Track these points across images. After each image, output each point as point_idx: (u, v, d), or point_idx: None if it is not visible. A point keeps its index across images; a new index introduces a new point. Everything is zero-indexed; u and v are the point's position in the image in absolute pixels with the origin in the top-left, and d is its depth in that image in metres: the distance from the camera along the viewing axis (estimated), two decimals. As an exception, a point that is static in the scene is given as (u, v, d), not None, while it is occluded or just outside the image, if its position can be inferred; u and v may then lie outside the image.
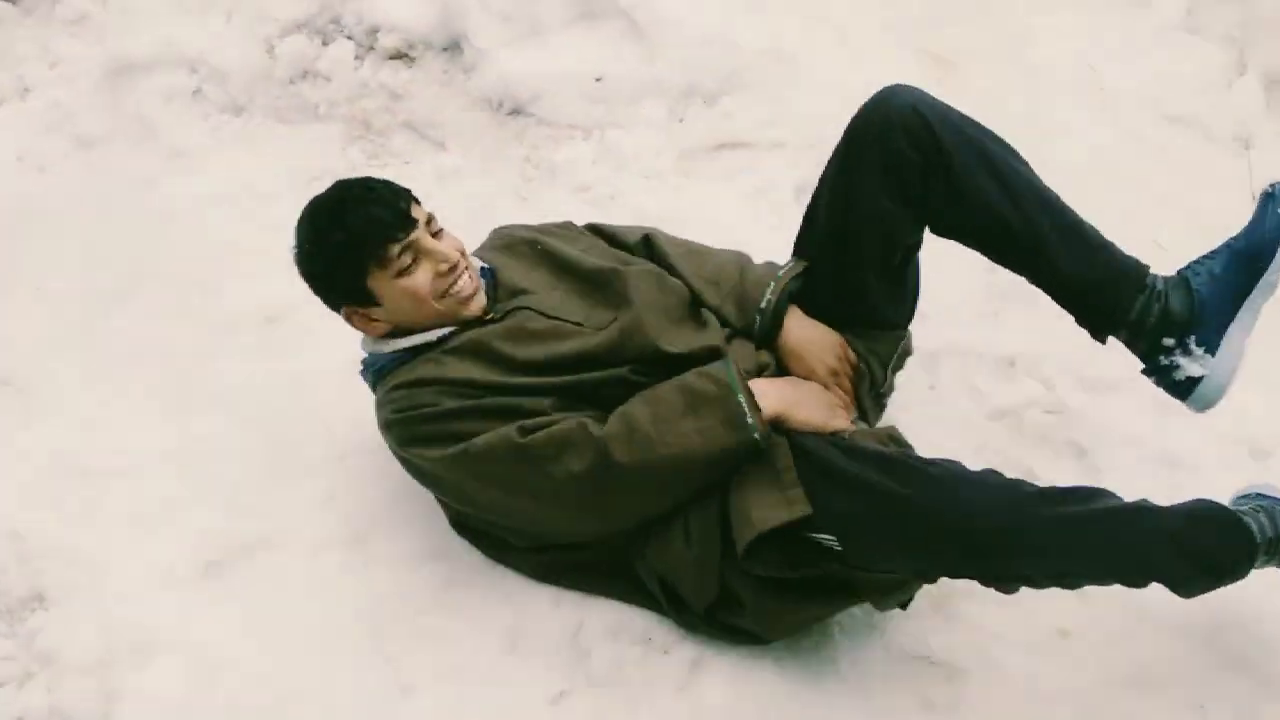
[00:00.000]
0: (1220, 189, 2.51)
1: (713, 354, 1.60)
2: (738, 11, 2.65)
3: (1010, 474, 1.51)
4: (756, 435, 1.50)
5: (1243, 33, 2.79)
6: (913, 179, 1.57)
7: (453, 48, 2.83)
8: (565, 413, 1.56)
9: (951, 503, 1.40)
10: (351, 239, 1.59)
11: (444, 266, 1.62)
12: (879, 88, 1.62)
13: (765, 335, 1.69)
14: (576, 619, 1.66)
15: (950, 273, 1.93)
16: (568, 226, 1.89)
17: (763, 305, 1.68)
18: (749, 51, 2.58)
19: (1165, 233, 2.39)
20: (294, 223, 1.67)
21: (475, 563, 1.74)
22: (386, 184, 1.63)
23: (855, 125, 1.63)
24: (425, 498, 1.77)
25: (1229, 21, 2.82)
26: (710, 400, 1.52)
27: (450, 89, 2.79)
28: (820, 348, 1.68)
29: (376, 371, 1.71)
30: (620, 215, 2.16)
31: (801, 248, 1.75)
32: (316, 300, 1.70)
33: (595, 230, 1.89)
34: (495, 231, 1.89)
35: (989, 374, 2.05)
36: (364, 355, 1.75)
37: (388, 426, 1.65)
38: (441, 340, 1.66)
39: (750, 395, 1.52)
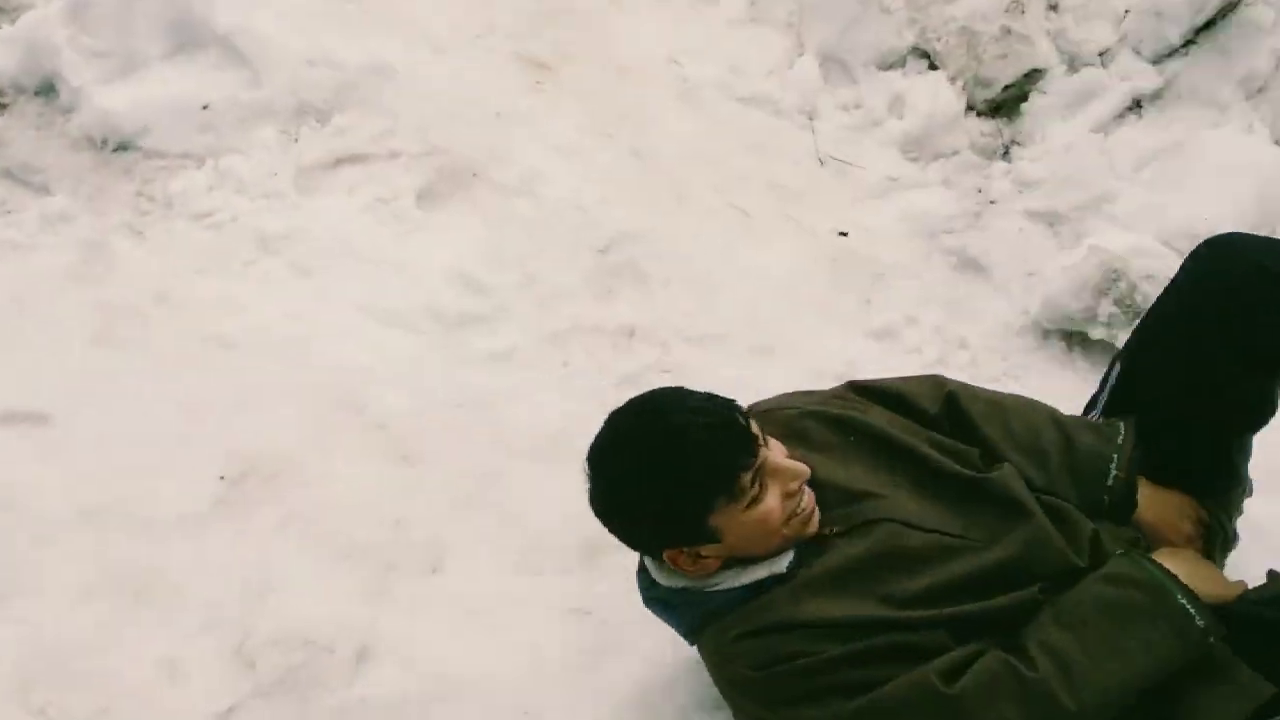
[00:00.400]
0: (792, 158, 2.95)
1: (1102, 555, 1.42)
2: (336, 32, 2.79)
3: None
4: (1212, 637, 1.31)
5: (799, 18, 3.26)
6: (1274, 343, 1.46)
7: (46, 89, 2.80)
8: (965, 646, 1.33)
9: None
10: (695, 474, 1.32)
11: (794, 485, 1.37)
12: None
13: (1117, 513, 1.51)
14: None
15: (556, 256, 2.18)
16: (843, 396, 1.61)
17: (1110, 483, 1.50)
18: (353, 69, 2.73)
19: (749, 201, 2.79)
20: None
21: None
22: (710, 396, 1.37)
23: (1190, 286, 1.54)
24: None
25: (787, 9, 3.28)
26: (1145, 611, 1.32)
27: (49, 131, 2.76)
28: (1177, 515, 1.55)
29: (706, 614, 1.42)
30: (242, 236, 2.24)
31: (1121, 406, 1.61)
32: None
33: (873, 394, 1.60)
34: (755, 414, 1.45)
35: (610, 346, 2.33)
36: (665, 587, 1.46)
37: (745, 685, 1.38)
38: (791, 571, 1.39)
39: (1190, 591, 1.33)
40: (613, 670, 1.71)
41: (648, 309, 2.40)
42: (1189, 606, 1.32)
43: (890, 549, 1.38)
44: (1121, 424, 1.56)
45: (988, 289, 2.64)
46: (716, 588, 1.41)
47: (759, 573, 1.39)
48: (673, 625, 1.50)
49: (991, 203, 2.84)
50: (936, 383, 1.62)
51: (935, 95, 3.03)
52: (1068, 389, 2.36)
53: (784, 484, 1.36)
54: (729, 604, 1.40)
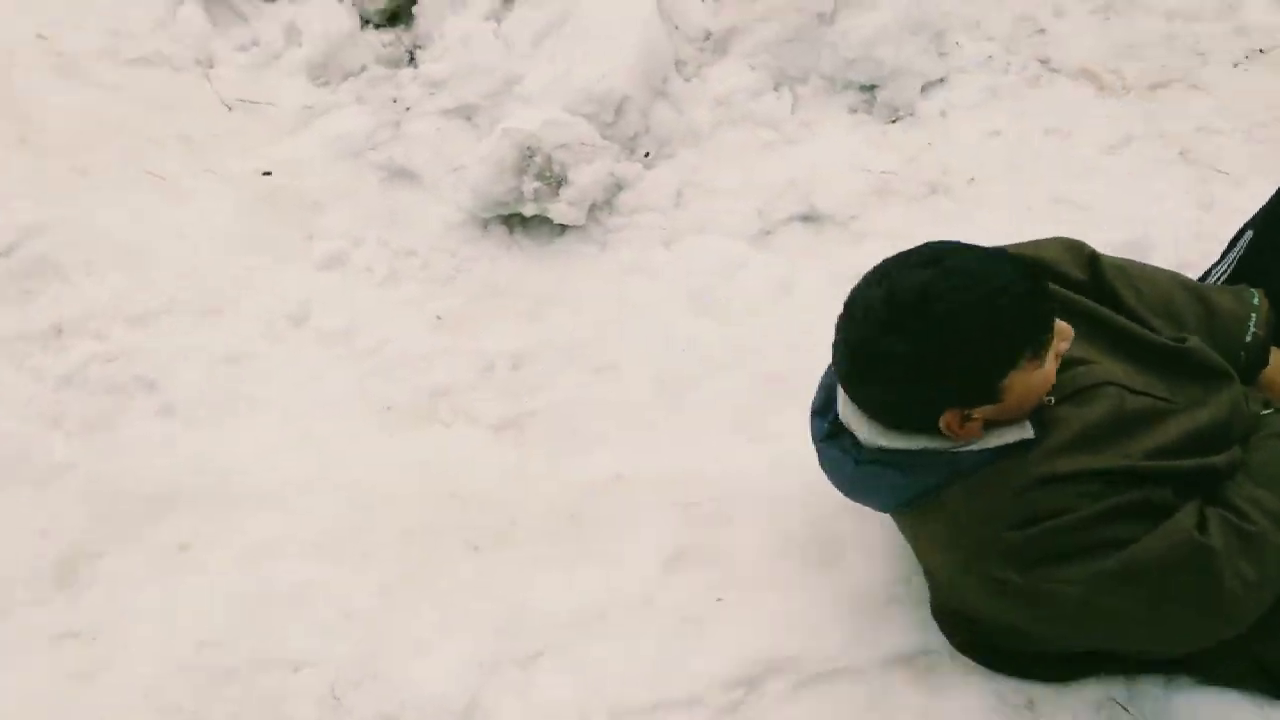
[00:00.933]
0: (199, 110, 2.94)
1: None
2: None
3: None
4: None
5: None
6: None
7: None
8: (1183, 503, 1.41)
9: None
10: (1013, 330, 1.33)
11: (1064, 346, 1.39)
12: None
13: (1248, 373, 1.63)
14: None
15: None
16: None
17: (1248, 340, 1.63)
18: None
19: (163, 163, 2.76)
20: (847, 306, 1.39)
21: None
22: (994, 250, 1.37)
23: None
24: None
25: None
26: None
27: None
28: None
29: (953, 474, 1.41)
30: None
31: (1249, 273, 1.77)
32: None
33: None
34: None
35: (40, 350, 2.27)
36: (898, 449, 1.44)
37: (999, 545, 1.38)
38: (1038, 436, 1.41)
39: None
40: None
41: (74, 301, 2.35)
42: None
43: (1121, 411, 1.43)
44: (1254, 290, 1.70)
45: (422, 194, 2.82)
46: (967, 449, 1.41)
47: (1009, 436, 1.41)
48: (892, 487, 1.48)
49: (407, 110, 3.01)
50: (1074, 246, 1.67)
51: (327, 17, 3.13)
52: (516, 268, 2.62)
53: (1058, 345, 1.38)
54: (977, 465, 1.40)
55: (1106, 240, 1.97)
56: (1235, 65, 2.96)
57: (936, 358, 1.33)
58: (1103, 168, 2.69)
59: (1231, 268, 1.85)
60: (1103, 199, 2.59)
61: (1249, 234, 1.86)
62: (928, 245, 1.39)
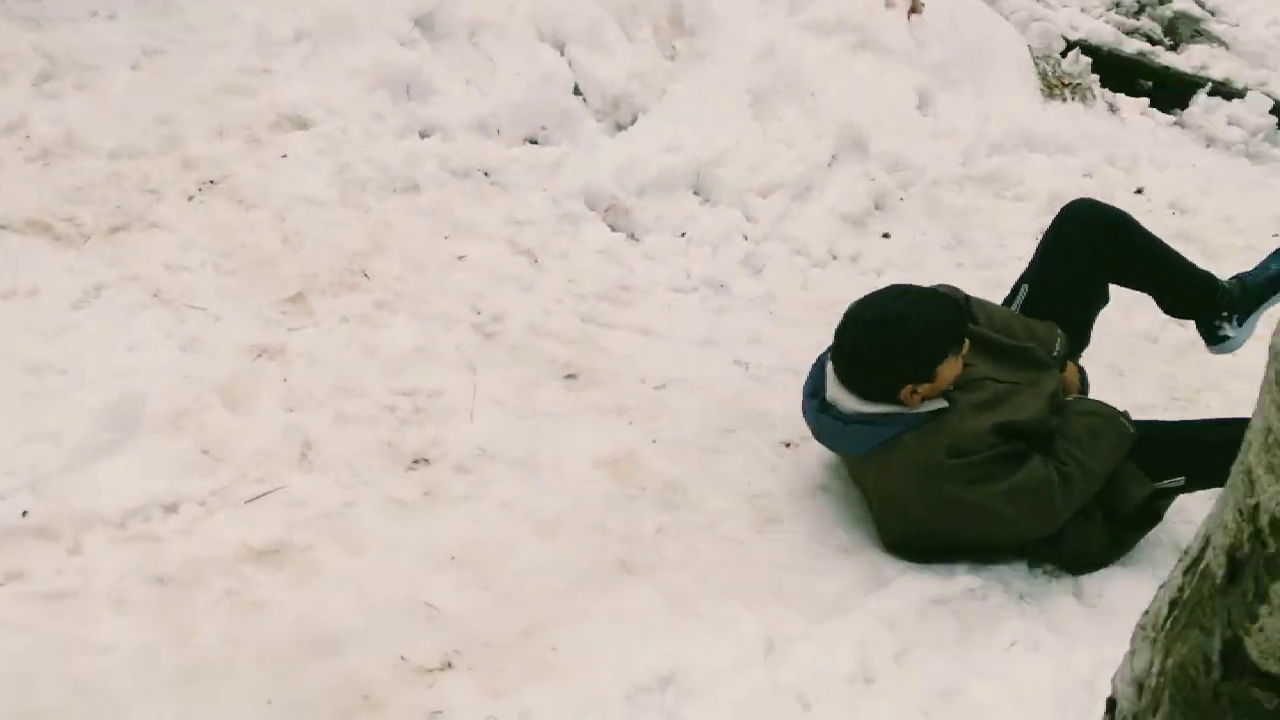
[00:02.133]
0: None
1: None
2: None
3: None
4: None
5: None
6: (1110, 255, 2.88)
7: None
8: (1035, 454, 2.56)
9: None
10: (947, 333, 2.53)
11: (964, 350, 2.55)
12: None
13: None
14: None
15: None
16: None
17: (1055, 354, 2.76)
18: None
19: None
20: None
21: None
22: (932, 287, 2.73)
23: (1060, 234, 2.93)
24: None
25: None
26: (1110, 429, 2.65)
27: None
28: (1074, 373, 2.89)
29: (906, 426, 2.53)
30: None
31: (1035, 309, 2.90)
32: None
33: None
34: None
35: None
36: (871, 411, 2.55)
37: (940, 468, 2.51)
38: (949, 405, 2.55)
39: (1126, 414, 2.72)
40: None
41: None
42: (1127, 423, 2.66)
43: (995, 392, 2.59)
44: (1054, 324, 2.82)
45: None
46: (915, 411, 2.53)
47: (936, 405, 2.54)
48: (864, 438, 2.58)
49: None
50: (954, 289, 2.79)
51: None
52: None
53: (963, 350, 2.53)
54: (920, 421, 2.52)
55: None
56: (190, 199, 3.19)
57: (904, 354, 2.49)
58: (75, 323, 2.69)
59: (1019, 309, 2.95)
60: (82, 357, 2.60)
61: (1025, 287, 2.96)
62: (894, 286, 2.70)
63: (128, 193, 3.11)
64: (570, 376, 3.02)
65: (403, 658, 2.14)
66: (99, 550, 2.20)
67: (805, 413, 2.71)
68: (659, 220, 3.76)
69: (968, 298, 2.79)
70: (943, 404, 2.54)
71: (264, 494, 2.42)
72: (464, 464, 2.63)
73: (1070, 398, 2.79)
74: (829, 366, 2.60)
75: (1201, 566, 0.98)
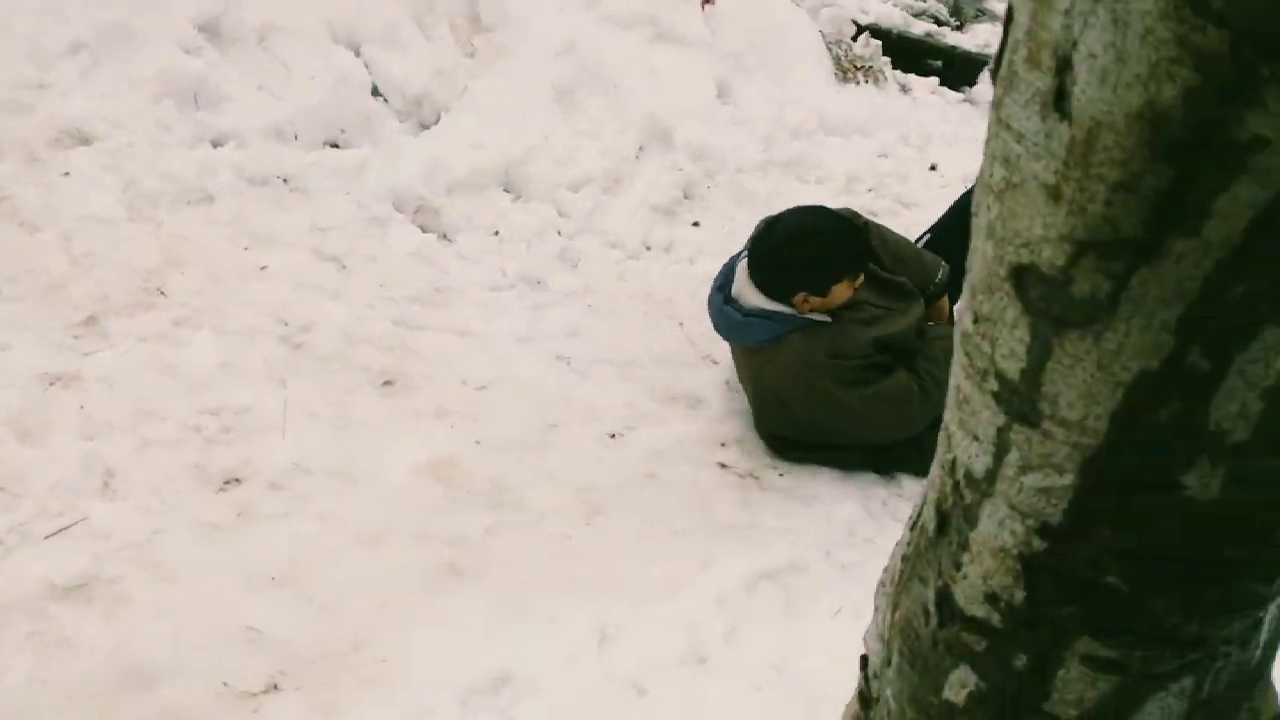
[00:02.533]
0: None
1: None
2: None
3: None
4: None
5: None
6: None
7: None
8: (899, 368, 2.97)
9: None
10: (850, 253, 2.94)
11: (858, 283, 2.94)
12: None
13: (928, 304, 3.18)
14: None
15: None
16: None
17: (938, 280, 3.20)
18: None
19: None
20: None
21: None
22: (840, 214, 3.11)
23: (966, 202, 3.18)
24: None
25: None
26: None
27: None
28: (945, 305, 3.28)
29: (794, 327, 2.93)
30: None
31: (937, 247, 3.33)
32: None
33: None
34: None
35: None
36: (769, 309, 2.94)
37: (820, 366, 2.90)
38: (834, 320, 2.96)
39: None
40: None
41: None
42: None
43: (871, 315, 2.98)
44: (942, 261, 3.22)
45: None
46: (804, 316, 2.95)
47: (821, 318, 2.95)
48: (757, 330, 2.97)
49: None
50: (854, 213, 3.22)
51: None
52: None
53: (857, 282, 2.95)
54: (806, 324, 2.94)
55: None
56: (-37, 223, 3.03)
57: (809, 263, 2.89)
58: None
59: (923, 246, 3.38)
60: None
61: (927, 235, 3.47)
62: (817, 205, 3.17)
63: (-108, 220, 2.93)
64: (387, 383, 2.99)
65: (225, 684, 2.09)
66: (-115, 601, 2.07)
67: (710, 304, 3.10)
68: (470, 219, 3.76)
69: (867, 223, 3.20)
70: (826, 319, 2.94)
71: (65, 528, 2.33)
72: (278, 481, 2.58)
73: (934, 324, 3.22)
74: (740, 265, 3.01)
75: (920, 522, 1.05)
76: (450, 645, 2.26)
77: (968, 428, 0.87)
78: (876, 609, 1.11)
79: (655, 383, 3.25)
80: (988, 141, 0.76)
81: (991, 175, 0.76)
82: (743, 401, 3.16)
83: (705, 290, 3.25)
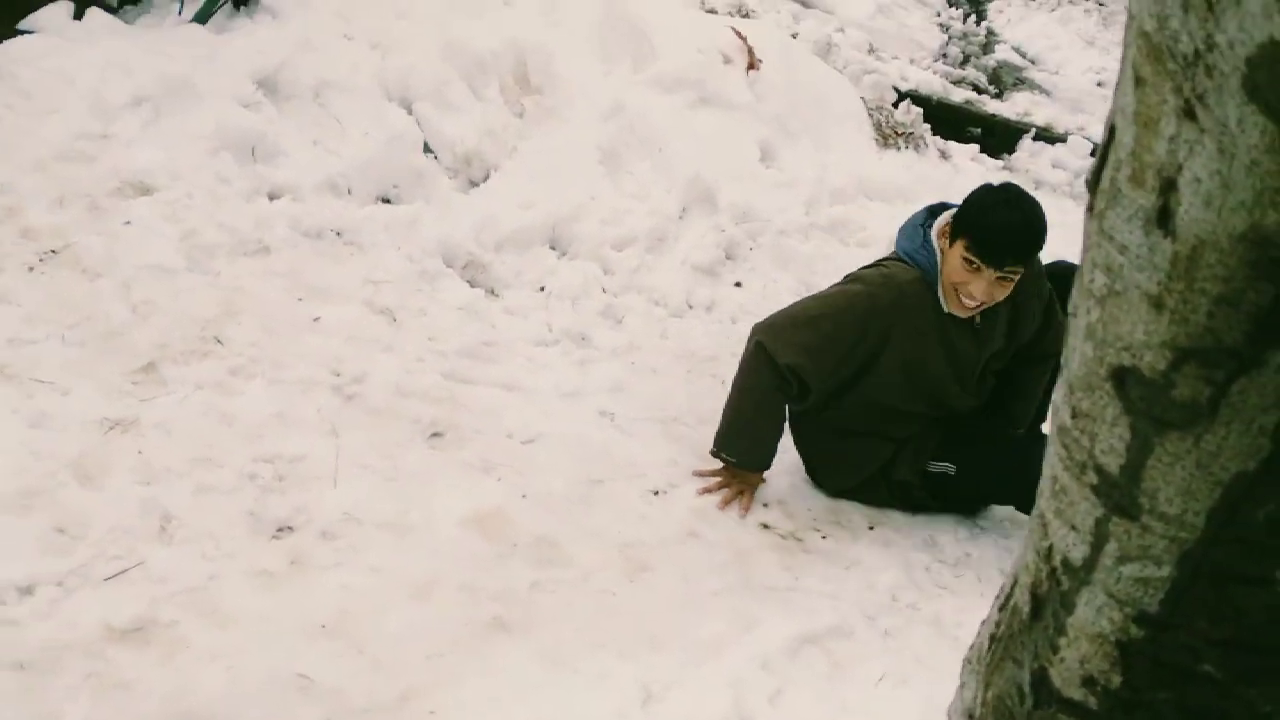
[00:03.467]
0: None
1: None
2: None
3: None
4: None
5: None
6: None
7: None
8: None
9: None
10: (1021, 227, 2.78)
11: (974, 289, 2.82)
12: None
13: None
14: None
15: None
16: None
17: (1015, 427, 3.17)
18: None
19: None
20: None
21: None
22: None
23: None
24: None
25: None
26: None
27: None
28: None
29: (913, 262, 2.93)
30: None
31: None
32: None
33: None
34: None
35: None
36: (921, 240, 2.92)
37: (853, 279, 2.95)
38: (921, 282, 2.93)
39: None
40: None
41: None
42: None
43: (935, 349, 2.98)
44: None
45: None
46: (928, 258, 2.91)
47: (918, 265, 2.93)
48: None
49: None
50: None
51: None
52: None
53: (973, 281, 2.81)
54: (923, 265, 2.92)
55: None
56: (31, 270, 3.11)
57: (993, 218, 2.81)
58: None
59: None
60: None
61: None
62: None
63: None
64: (435, 435, 3.03)
65: (278, 731, 2.12)
66: (-50, 640, 2.12)
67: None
68: (518, 275, 3.82)
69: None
70: (915, 272, 3.00)
71: (123, 571, 2.37)
72: (330, 530, 2.62)
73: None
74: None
75: (1012, 603, 1.08)
76: (499, 699, 2.29)
77: (1065, 517, 0.91)
78: (963, 685, 1.13)
79: (698, 441, 3.27)
80: (1087, 249, 0.80)
81: (1092, 281, 0.80)
82: (785, 463, 3.18)
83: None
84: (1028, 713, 1.01)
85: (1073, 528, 0.90)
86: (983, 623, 1.13)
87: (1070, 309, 0.85)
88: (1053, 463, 0.92)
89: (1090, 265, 0.80)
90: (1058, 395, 0.91)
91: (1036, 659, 0.99)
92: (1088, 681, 0.94)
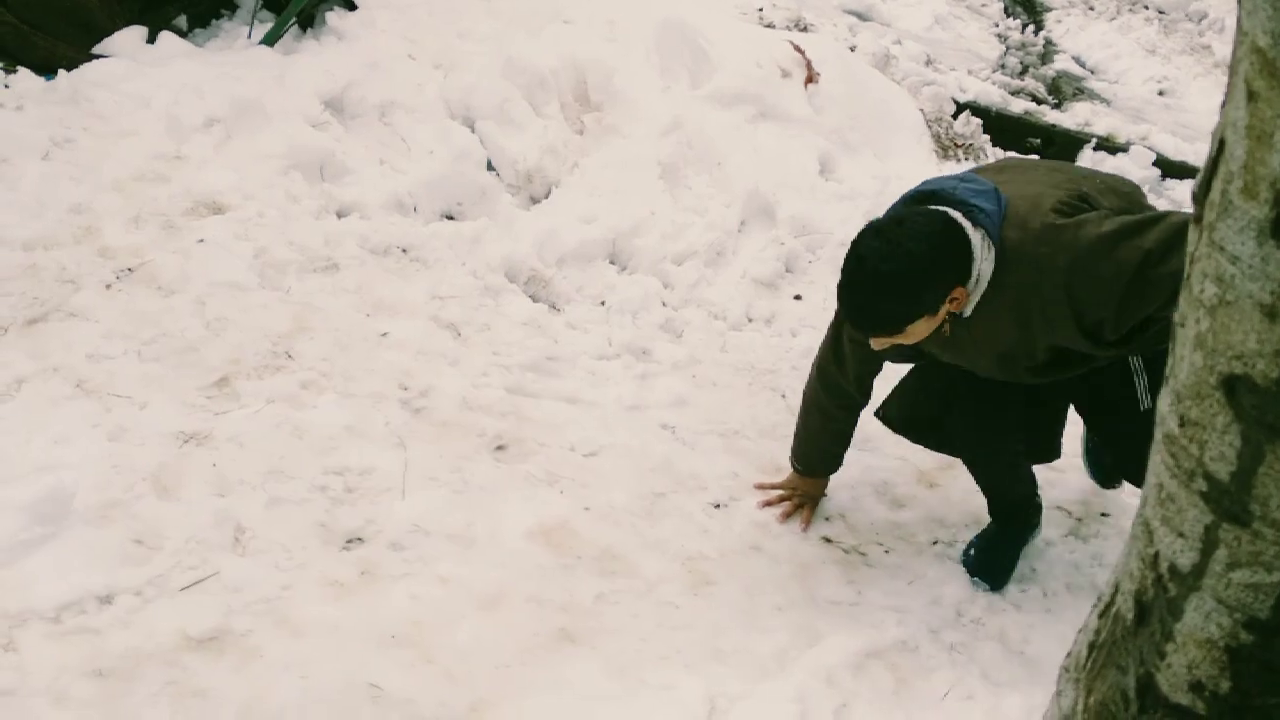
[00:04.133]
0: None
1: None
2: None
3: None
4: None
5: None
6: None
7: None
8: None
9: None
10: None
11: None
12: None
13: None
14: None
15: None
16: None
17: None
18: None
19: None
20: None
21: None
22: None
23: None
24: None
25: None
26: None
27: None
28: None
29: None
30: None
31: None
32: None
33: None
34: None
35: None
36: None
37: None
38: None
39: None
40: None
41: None
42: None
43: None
44: None
45: None
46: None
47: None
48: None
49: None
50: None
51: None
52: None
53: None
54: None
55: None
56: (108, 287, 3.18)
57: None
58: (-2, 418, 2.67)
59: None
60: (6, 451, 2.57)
61: None
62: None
63: (45, 283, 3.10)
64: (500, 448, 3.06)
65: (351, 740, 2.15)
66: (35, 646, 2.18)
67: None
68: (579, 290, 3.85)
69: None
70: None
71: (199, 581, 2.42)
72: (399, 541, 2.66)
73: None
74: None
75: (1114, 611, 1.08)
76: (566, 711, 2.30)
77: (1172, 524, 0.91)
78: (1060, 693, 1.13)
79: (759, 454, 3.28)
80: (1195, 260, 0.81)
81: (1202, 291, 0.80)
82: (847, 475, 3.17)
83: (807, 363, 3.09)
84: (1132, 718, 1.01)
85: (1180, 535, 0.91)
86: (1080, 631, 1.14)
87: (1178, 319, 0.86)
88: (1158, 471, 0.93)
89: (1200, 275, 0.81)
90: (1163, 404, 0.92)
91: (1142, 665, 0.99)
92: (1195, 687, 0.94)
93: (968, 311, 2.46)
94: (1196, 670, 0.93)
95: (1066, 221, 2.36)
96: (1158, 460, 0.93)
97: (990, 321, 2.47)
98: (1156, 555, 0.95)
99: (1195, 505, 0.88)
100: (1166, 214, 2.36)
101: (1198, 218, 0.82)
